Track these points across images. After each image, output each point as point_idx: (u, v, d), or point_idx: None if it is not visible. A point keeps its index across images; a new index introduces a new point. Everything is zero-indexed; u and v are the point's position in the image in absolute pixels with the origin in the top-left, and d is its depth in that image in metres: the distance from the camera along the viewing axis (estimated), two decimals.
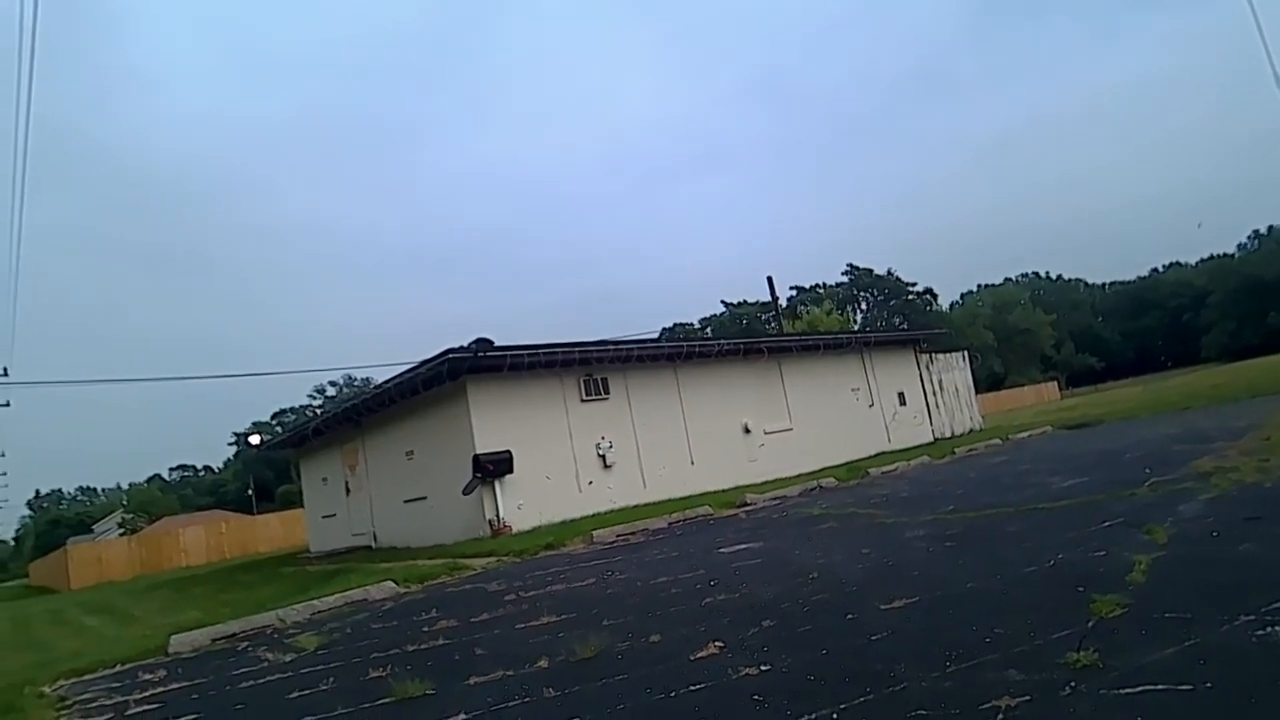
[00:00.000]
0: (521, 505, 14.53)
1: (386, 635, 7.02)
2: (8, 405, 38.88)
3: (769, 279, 35.38)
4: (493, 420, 14.81)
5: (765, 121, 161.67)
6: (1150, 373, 79.25)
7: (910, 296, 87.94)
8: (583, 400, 16.16)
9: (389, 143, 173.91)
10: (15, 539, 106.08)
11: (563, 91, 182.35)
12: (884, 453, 20.74)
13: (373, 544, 18.85)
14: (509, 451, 14.50)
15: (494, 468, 14.26)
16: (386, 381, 16.72)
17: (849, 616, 5.07)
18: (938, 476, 13.95)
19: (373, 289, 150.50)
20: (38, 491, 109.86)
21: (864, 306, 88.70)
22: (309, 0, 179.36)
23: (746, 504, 13.58)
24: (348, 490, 20.55)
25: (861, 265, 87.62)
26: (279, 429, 71.27)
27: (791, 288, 79.91)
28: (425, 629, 6.94)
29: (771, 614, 5.42)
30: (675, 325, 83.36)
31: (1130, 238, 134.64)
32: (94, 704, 6.18)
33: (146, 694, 6.24)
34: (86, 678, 7.38)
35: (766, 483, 16.42)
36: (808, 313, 51.22)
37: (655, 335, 44.46)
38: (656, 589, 7.09)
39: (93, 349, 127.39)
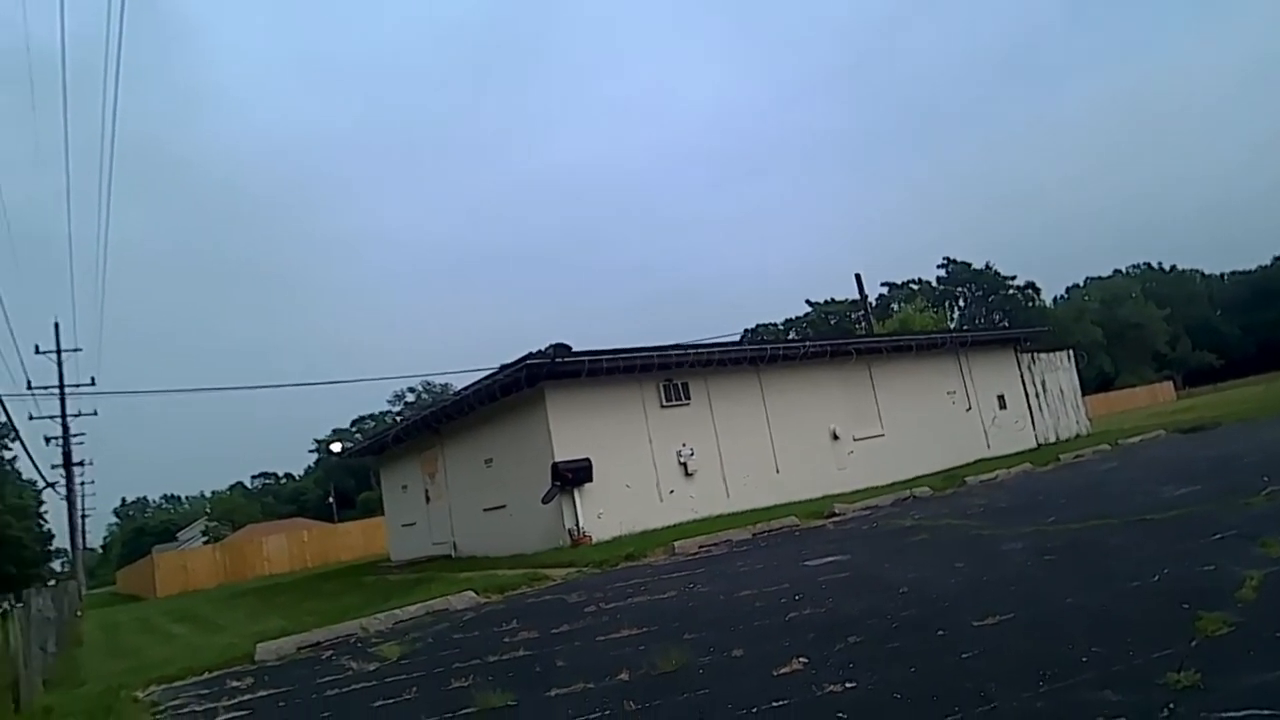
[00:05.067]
0: (601, 514, 14.48)
1: (468, 645, 7.06)
2: (95, 414, 40.98)
3: (857, 276, 34.83)
4: (571, 427, 14.81)
5: (852, 111, 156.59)
6: (1274, 370, 74.00)
7: (1010, 291, 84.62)
8: (663, 406, 16.02)
9: (460, 149, 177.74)
10: (103, 546, 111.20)
11: (635, 89, 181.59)
12: (982, 460, 19.87)
13: (453, 553, 19.09)
14: (588, 459, 14.47)
15: (573, 476, 14.25)
16: (465, 388, 16.91)
17: (940, 633, 4.90)
18: (1039, 485, 13.36)
19: (450, 295, 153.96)
20: (124, 499, 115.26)
21: (961, 303, 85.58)
22: (381, 10, 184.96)
23: (834, 514, 13.18)
24: (427, 498, 20.87)
25: (958, 259, 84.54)
26: (359, 436, 72.56)
27: (883, 284, 77.78)
28: (506, 639, 6.95)
29: (858, 630, 5.27)
30: (758, 326, 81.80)
31: (1249, 224, 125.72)
32: (185, 710, 6.36)
33: (235, 701, 6.40)
34: (176, 684, 7.60)
35: (856, 492, 15.93)
36: (900, 311, 49.84)
37: (737, 338, 43.88)
38: (739, 602, 6.96)
39: (177, 359, 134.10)
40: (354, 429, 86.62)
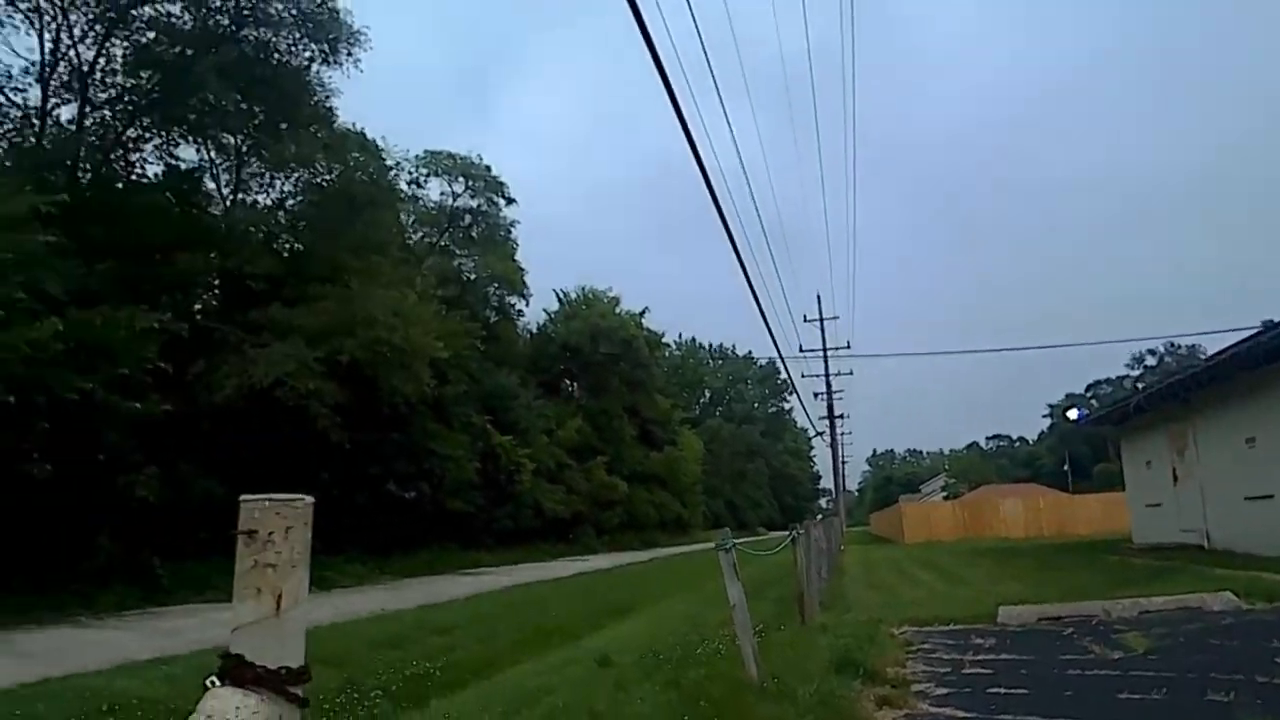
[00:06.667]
0: None
1: (1226, 655, 6.35)
2: (851, 374, 48.34)
3: None
4: None
5: None
6: None
7: None
8: None
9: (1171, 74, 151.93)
10: (858, 490, 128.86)
11: None
12: None
13: (1204, 543, 16.84)
14: None
15: None
16: (1219, 352, 14.93)
17: None
18: None
19: (1198, 239, 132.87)
20: (874, 450, 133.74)
21: None
22: None
23: None
24: (1175, 478, 18.75)
25: None
26: (1094, 402, 69.47)
27: None
28: (1277, 659, 6.00)
29: None
30: None
31: None
32: (934, 654, 7.13)
33: (978, 657, 6.90)
34: (924, 629, 8.55)
35: None
36: None
37: None
38: None
39: (919, 322, 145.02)
40: (1089, 394, 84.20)
